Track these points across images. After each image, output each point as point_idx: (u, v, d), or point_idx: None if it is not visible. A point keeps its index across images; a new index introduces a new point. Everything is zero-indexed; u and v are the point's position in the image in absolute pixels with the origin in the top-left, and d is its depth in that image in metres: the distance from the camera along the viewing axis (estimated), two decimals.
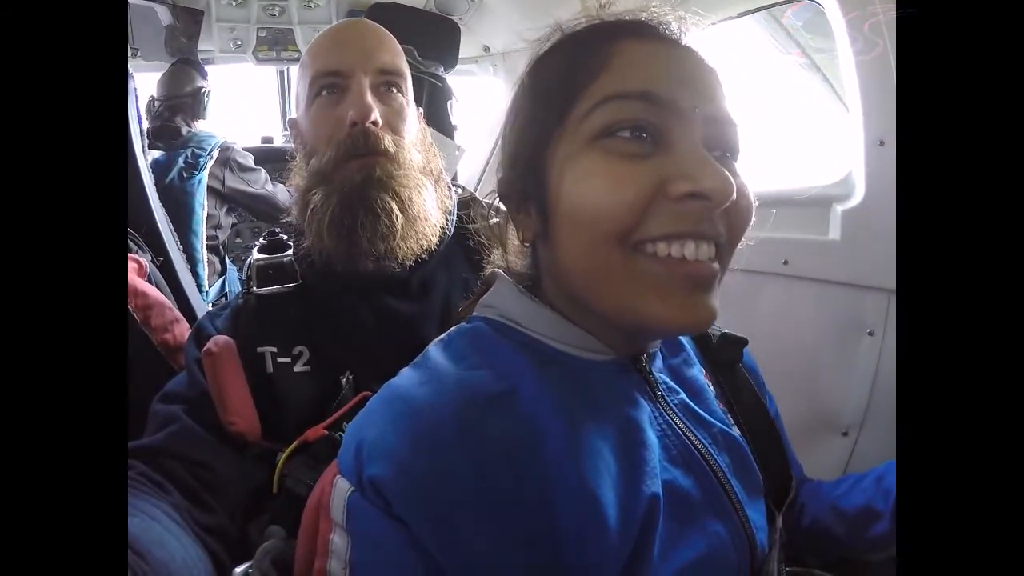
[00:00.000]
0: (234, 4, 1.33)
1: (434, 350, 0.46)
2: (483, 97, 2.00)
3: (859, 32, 0.82)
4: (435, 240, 0.68)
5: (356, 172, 0.66)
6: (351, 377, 0.66)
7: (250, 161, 1.90)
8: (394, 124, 0.69)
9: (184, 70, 1.79)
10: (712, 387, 0.52)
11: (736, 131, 0.41)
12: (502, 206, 0.49)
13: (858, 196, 0.91)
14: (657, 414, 0.45)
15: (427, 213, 0.68)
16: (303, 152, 0.73)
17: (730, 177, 0.37)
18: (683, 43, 0.42)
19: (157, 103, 1.80)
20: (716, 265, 0.40)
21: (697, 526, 0.42)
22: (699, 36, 0.43)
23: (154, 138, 1.72)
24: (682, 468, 0.44)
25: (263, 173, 1.92)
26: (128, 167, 1.06)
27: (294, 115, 0.76)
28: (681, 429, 0.45)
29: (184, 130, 1.80)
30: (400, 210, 0.65)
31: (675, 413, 0.46)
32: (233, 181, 1.86)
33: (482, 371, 0.42)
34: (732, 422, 0.52)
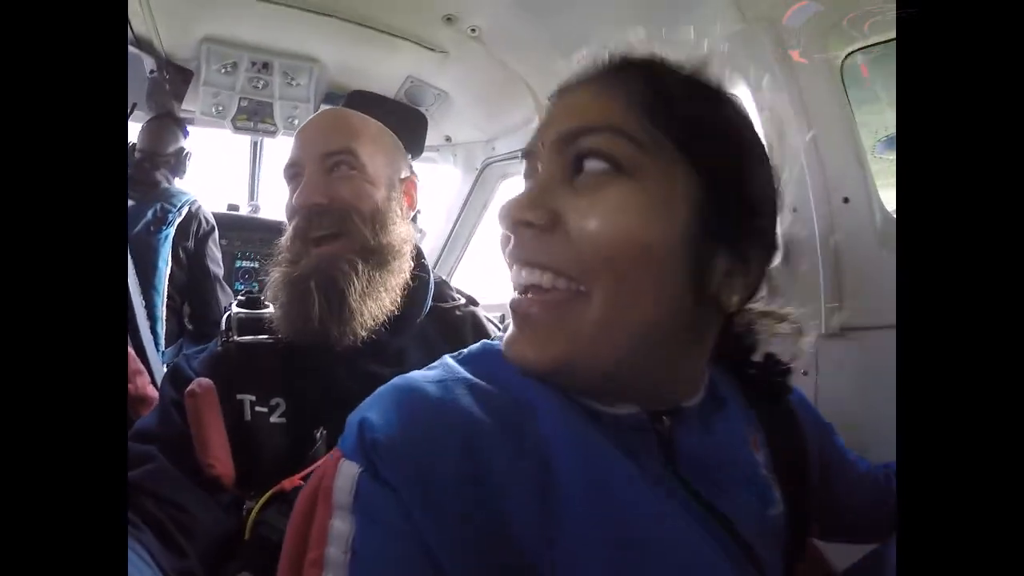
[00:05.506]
0: (223, 71, 1.45)
1: (447, 357, 0.44)
2: (442, 184, 2.17)
3: None
4: (383, 316, 0.71)
5: (308, 259, 0.71)
6: (324, 432, 0.66)
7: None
8: (347, 197, 0.73)
9: (169, 127, 1.77)
10: (762, 453, 0.46)
11: (596, 135, 0.39)
12: None
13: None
14: (672, 479, 0.40)
15: (377, 293, 0.71)
16: None
17: (519, 202, 0.39)
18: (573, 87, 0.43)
19: (138, 154, 1.77)
20: (547, 296, 0.39)
21: None
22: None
23: (130, 186, 1.70)
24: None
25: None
26: None
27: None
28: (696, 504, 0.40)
29: (162, 184, 1.79)
30: (348, 293, 0.69)
31: (691, 492, 0.40)
32: (199, 252, 1.84)
33: (491, 383, 0.40)
34: (776, 497, 0.45)
